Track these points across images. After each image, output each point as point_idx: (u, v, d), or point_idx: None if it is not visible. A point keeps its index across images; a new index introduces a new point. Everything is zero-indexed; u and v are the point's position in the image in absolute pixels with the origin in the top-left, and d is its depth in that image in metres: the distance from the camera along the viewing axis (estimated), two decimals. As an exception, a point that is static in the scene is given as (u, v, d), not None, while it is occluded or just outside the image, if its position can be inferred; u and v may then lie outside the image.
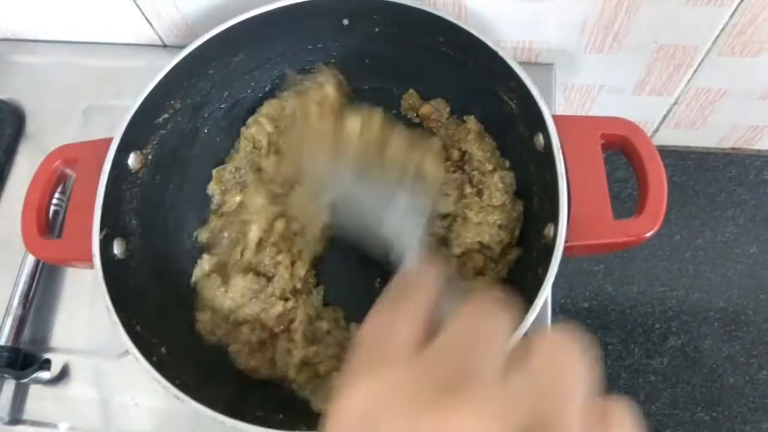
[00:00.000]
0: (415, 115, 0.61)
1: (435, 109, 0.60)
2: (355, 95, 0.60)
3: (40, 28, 0.71)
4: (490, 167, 0.55)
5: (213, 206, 0.59)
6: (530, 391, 0.23)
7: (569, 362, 0.24)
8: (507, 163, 0.56)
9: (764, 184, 0.81)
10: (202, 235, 0.57)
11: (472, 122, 0.57)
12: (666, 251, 0.79)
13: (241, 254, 0.55)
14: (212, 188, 0.59)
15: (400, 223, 0.40)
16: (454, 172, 0.56)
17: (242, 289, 0.53)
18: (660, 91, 0.71)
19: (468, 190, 0.55)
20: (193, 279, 0.55)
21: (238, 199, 0.57)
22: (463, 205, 0.54)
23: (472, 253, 0.53)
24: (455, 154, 0.57)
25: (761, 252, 0.78)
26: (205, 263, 0.55)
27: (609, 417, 0.23)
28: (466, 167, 0.56)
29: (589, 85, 0.71)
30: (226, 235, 0.56)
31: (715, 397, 0.73)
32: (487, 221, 0.53)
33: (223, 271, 0.55)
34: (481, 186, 0.55)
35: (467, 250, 0.53)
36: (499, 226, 0.53)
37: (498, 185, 0.54)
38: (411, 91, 0.61)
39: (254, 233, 0.55)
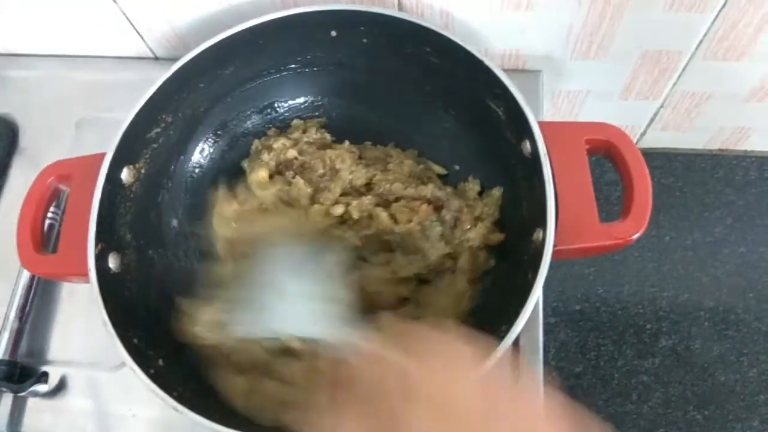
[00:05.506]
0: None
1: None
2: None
3: (31, 43, 0.71)
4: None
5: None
6: None
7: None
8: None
9: (751, 184, 0.81)
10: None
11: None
12: (656, 252, 0.80)
13: None
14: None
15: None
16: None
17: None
18: (646, 95, 0.72)
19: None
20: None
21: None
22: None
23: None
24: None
25: (749, 252, 0.79)
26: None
27: None
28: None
29: (577, 90, 0.71)
30: None
31: (707, 395, 0.74)
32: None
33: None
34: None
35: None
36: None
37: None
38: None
39: None
